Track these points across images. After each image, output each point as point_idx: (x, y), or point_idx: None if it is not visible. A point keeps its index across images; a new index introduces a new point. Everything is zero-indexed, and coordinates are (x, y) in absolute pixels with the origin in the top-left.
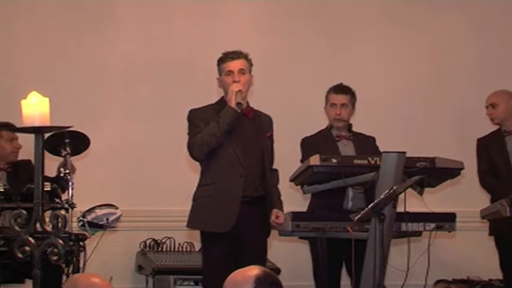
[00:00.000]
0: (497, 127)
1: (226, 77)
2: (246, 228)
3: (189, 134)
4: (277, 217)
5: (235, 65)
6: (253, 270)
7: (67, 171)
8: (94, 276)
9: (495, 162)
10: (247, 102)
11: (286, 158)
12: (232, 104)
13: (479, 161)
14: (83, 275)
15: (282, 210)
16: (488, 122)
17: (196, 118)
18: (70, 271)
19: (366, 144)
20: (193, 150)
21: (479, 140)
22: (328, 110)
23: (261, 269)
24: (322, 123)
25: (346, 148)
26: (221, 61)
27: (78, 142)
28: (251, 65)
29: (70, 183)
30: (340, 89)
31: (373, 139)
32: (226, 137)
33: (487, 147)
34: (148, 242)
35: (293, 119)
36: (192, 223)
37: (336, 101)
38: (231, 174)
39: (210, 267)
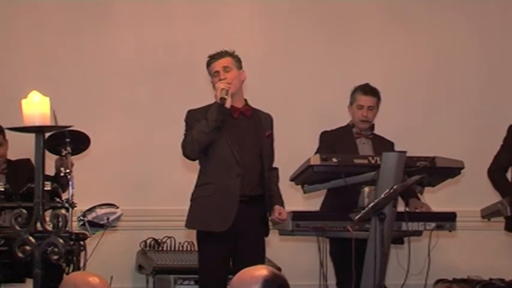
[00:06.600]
0: None
1: (214, 78)
2: (244, 228)
3: (184, 134)
4: (279, 213)
5: (219, 64)
6: (261, 271)
7: (67, 170)
8: (92, 275)
9: None
10: (245, 101)
11: (285, 157)
12: (217, 100)
13: (501, 149)
14: (76, 275)
15: (284, 207)
16: (489, 121)
17: (193, 119)
18: (70, 270)
19: (384, 147)
20: (186, 149)
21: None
22: (353, 110)
23: (270, 270)
24: (322, 122)
25: (365, 146)
26: (208, 65)
27: (79, 142)
28: (238, 61)
29: (70, 183)
30: (369, 90)
31: (391, 144)
32: (223, 136)
33: None
34: (148, 241)
35: (292, 118)
36: (190, 223)
37: (364, 102)
38: (228, 174)
39: (206, 266)
